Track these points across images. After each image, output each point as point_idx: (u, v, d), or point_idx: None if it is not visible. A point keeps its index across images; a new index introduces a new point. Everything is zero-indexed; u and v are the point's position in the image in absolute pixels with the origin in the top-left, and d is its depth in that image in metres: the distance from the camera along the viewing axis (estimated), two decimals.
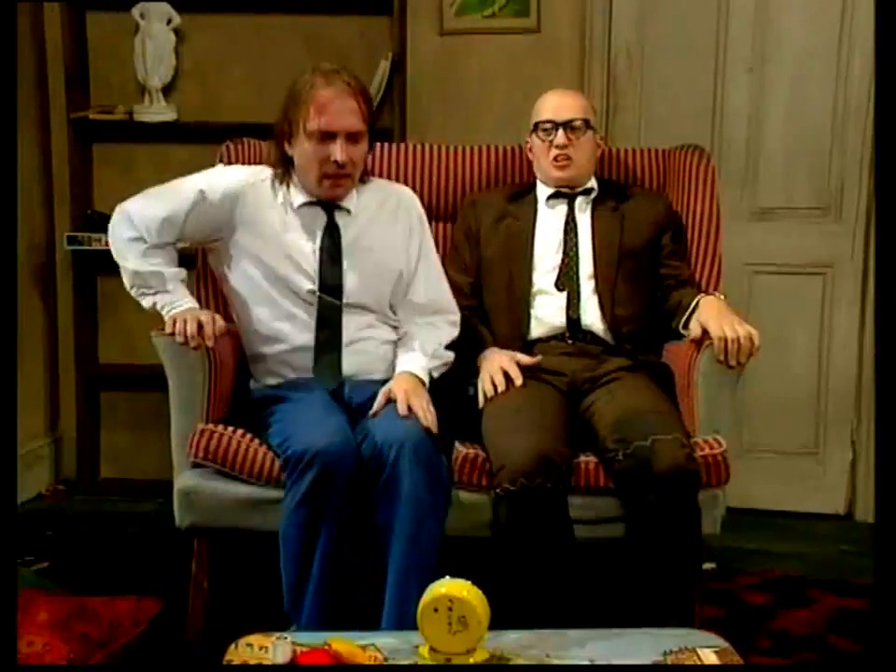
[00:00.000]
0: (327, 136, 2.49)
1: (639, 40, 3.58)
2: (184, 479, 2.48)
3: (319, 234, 2.60)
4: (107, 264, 3.75)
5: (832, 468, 3.66)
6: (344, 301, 2.58)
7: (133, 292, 2.59)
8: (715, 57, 3.55)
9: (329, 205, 2.62)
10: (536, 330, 2.73)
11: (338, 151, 2.49)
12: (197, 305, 2.57)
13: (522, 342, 2.71)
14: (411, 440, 2.31)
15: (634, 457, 2.32)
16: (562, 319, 2.71)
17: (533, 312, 2.74)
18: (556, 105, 2.80)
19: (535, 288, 2.75)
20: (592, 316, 2.71)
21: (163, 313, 2.52)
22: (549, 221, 2.82)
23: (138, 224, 2.57)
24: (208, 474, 2.45)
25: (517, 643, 1.91)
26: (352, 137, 2.51)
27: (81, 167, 3.73)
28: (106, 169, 3.80)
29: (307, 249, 2.59)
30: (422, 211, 2.77)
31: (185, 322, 2.41)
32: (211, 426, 2.46)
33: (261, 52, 3.70)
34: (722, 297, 2.63)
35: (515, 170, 3.01)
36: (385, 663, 1.84)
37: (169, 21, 3.64)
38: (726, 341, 2.41)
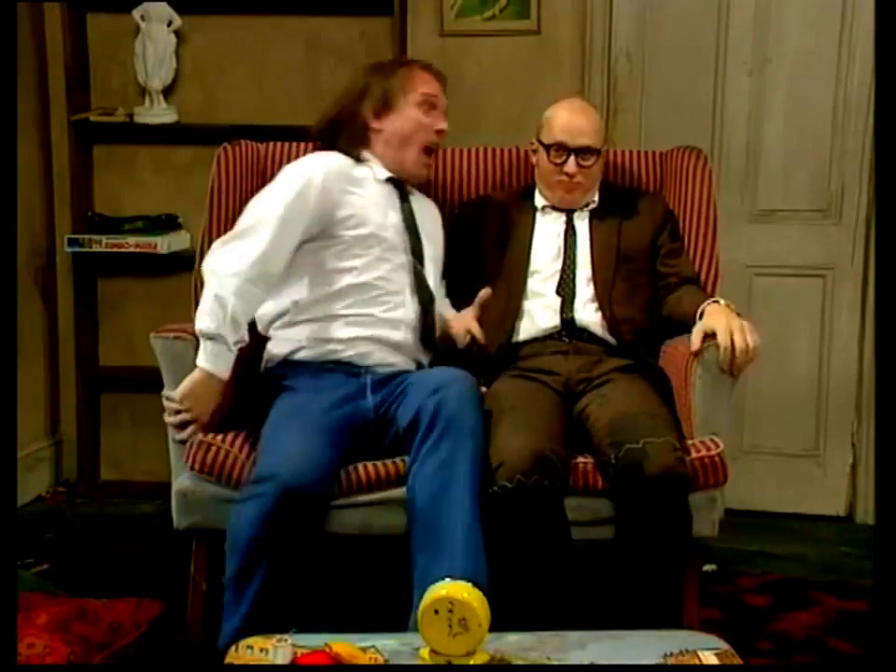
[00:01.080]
0: (432, 106, 2.71)
1: (640, 42, 3.58)
2: (182, 481, 2.47)
3: (398, 205, 2.72)
4: (108, 266, 3.79)
5: (832, 470, 3.66)
6: (424, 267, 2.69)
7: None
8: (715, 59, 3.55)
9: (400, 182, 2.75)
10: (528, 331, 2.72)
11: (441, 121, 2.73)
12: (213, 372, 2.45)
13: (507, 343, 2.71)
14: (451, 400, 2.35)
15: (625, 460, 2.31)
16: (556, 321, 2.70)
17: (527, 315, 2.73)
18: (570, 125, 2.74)
19: (529, 294, 2.74)
20: (588, 318, 2.70)
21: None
22: (547, 228, 2.82)
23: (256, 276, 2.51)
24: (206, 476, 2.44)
25: (517, 645, 1.91)
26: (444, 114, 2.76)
27: (82, 169, 3.73)
28: (107, 171, 3.80)
29: (392, 219, 2.69)
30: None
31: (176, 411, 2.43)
32: (210, 437, 2.44)
33: (262, 54, 3.70)
34: (727, 303, 2.55)
35: (515, 172, 3.02)
36: (385, 665, 1.84)
37: (170, 23, 3.64)
38: (733, 351, 2.38)
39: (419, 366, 2.67)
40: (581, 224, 2.81)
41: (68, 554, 3.18)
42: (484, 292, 2.67)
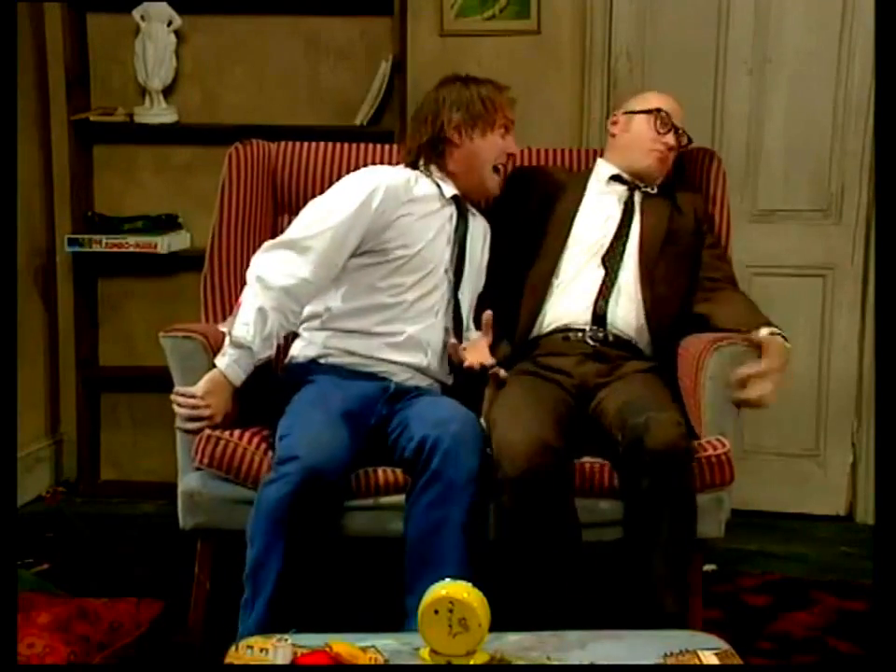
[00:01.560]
0: (508, 130, 2.76)
1: (640, 42, 3.58)
2: (188, 480, 2.48)
3: (454, 225, 2.72)
4: (108, 266, 3.79)
5: (832, 469, 3.66)
6: (461, 282, 2.70)
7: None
8: (715, 59, 3.56)
9: (461, 202, 2.75)
10: (556, 322, 2.71)
11: (514, 145, 2.78)
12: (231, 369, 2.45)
13: (534, 321, 2.73)
14: (451, 435, 2.34)
15: (629, 435, 2.32)
16: (587, 310, 2.69)
17: (557, 300, 2.72)
18: (674, 108, 2.83)
19: (563, 272, 2.73)
20: (623, 308, 2.69)
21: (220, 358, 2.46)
22: (599, 201, 2.82)
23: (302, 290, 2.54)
24: (212, 476, 2.44)
25: (518, 645, 1.91)
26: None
27: (82, 169, 3.73)
28: (107, 171, 3.80)
29: (443, 241, 2.69)
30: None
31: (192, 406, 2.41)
32: (218, 432, 2.44)
33: (262, 53, 3.70)
34: (784, 341, 2.50)
35: None
36: (385, 665, 1.84)
37: (170, 23, 3.64)
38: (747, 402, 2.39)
39: (443, 386, 2.70)
40: (637, 202, 2.82)
41: (68, 554, 3.18)
42: (486, 316, 2.65)
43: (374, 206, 2.58)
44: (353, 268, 2.62)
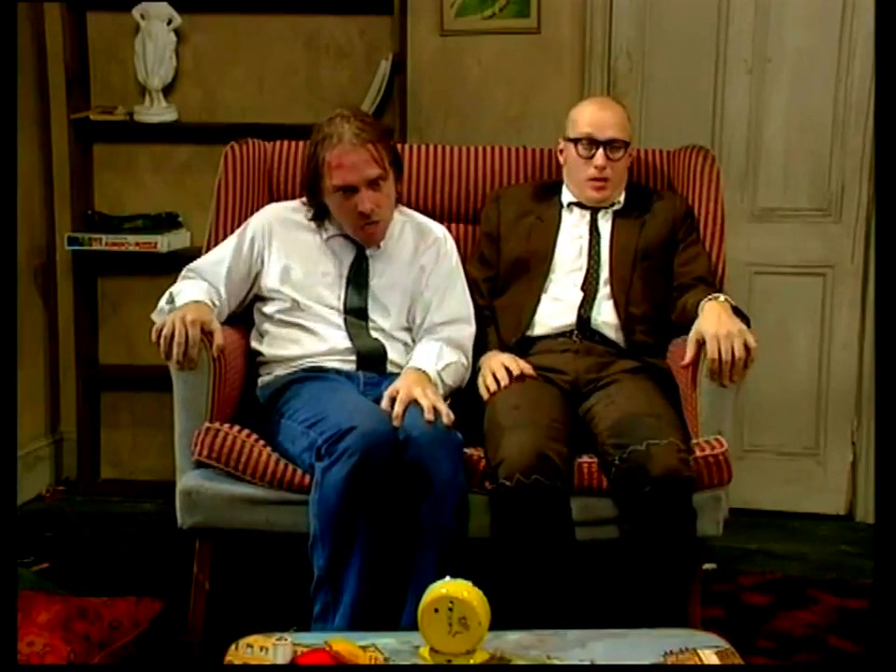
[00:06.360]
0: (349, 189, 2.57)
1: (640, 41, 3.58)
2: (187, 479, 2.47)
3: (348, 264, 2.69)
4: (107, 265, 3.79)
5: (832, 468, 3.66)
6: (369, 324, 2.65)
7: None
8: (715, 58, 3.55)
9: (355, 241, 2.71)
10: (541, 328, 2.73)
11: (363, 201, 2.58)
12: (202, 298, 2.55)
13: (521, 338, 2.72)
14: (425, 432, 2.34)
15: (629, 461, 2.32)
16: (572, 318, 2.70)
17: (543, 311, 2.74)
18: (597, 118, 2.75)
19: (549, 290, 2.75)
20: (605, 316, 2.71)
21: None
22: (573, 225, 2.82)
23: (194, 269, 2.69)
24: (211, 475, 2.45)
25: (517, 644, 1.91)
26: (373, 184, 2.58)
27: (82, 168, 3.73)
28: (107, 170, 3.80)
29: (334, 276, 2.68)
30: (452, 248, 2.81)
31: (173, 327, 2.39)
32: (217, 424, 2.46)
33: (261, 52, 3.70)
34: (725, 298, 2.54)
35: (515, 171, 3.02)
36: (385, 664, 1.84)
37: (169, 22, 3.64)
38: (720, 361, 2.37)
39: None
40: (605, 224, 2.81)
41: (68, 553, 3.18)
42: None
43: (246, 234, 2.74)
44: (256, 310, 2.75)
